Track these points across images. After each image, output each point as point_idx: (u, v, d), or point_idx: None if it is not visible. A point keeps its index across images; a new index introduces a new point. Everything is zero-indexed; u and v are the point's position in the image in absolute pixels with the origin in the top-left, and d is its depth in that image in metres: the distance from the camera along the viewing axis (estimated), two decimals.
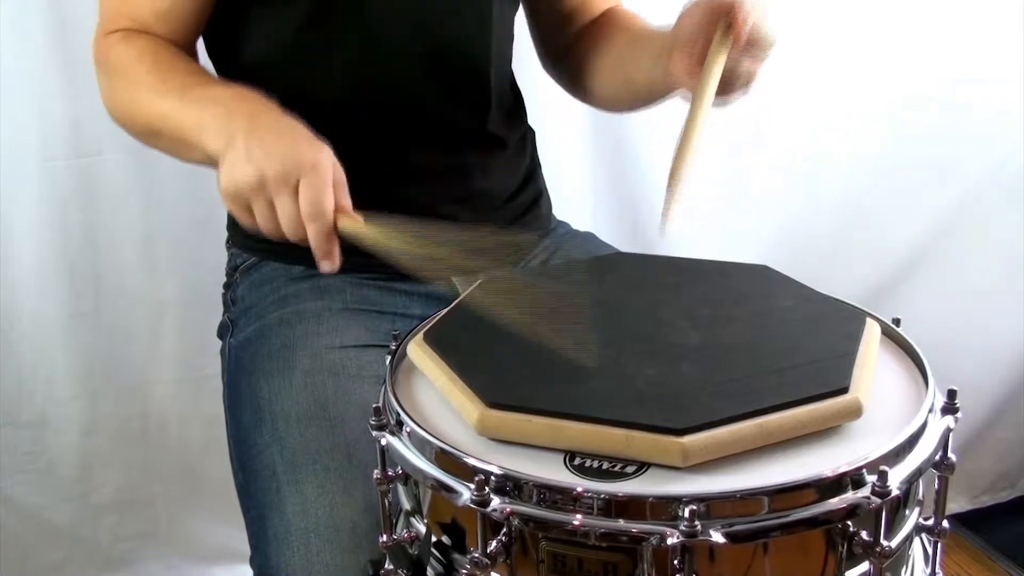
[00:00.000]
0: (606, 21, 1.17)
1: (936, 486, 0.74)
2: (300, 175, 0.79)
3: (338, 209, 0.81)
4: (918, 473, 0.69)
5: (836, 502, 0.64)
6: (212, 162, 0.86)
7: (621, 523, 0.62)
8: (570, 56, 1.19)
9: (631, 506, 0.62)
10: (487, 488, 0.64)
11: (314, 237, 0.80)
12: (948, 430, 0.72)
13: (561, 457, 0.68)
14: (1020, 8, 1.70)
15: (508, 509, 0.64)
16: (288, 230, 0.81)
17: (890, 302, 1.77)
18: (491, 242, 0.79)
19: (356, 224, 0.82)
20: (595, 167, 1.67)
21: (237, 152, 0.81)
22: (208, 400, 1.38)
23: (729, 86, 0.91)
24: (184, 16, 0.99)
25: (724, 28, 0.89)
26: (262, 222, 0.82)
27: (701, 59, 0.90)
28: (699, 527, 0.60)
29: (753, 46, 0.89)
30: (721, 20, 0.89)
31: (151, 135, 0.96)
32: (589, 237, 1.22)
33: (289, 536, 0.89)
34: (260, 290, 1.08)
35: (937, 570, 0.77)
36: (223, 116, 0.85)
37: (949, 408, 0.73)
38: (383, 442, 0.74)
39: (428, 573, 0.73)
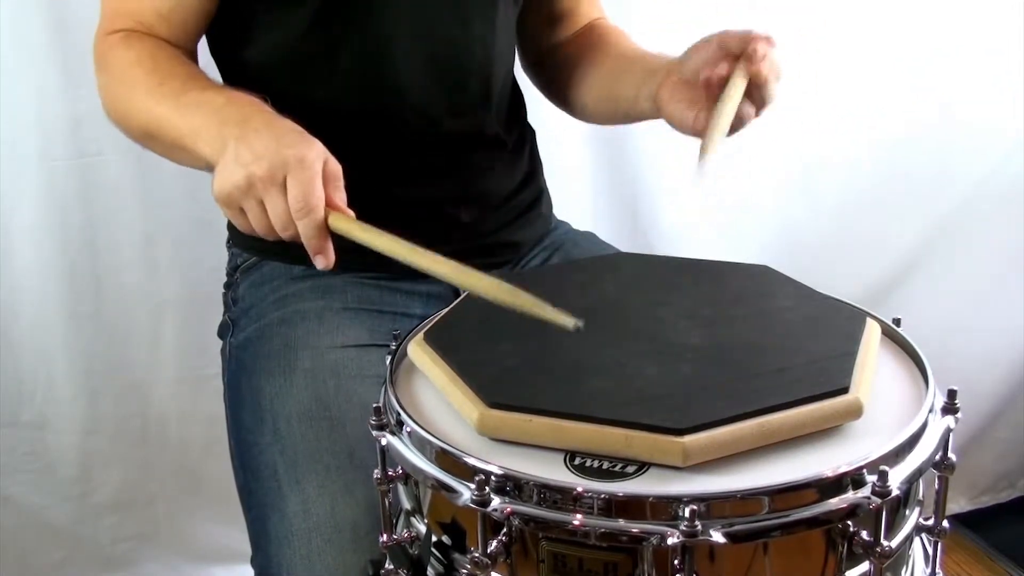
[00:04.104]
0: (594, 34, 1.19)
1: (936, 486, 0.74)
2: (287, 172, 0.79)
3: (329, 204, 0.81)
4: (918, 473, 0.69)
5: (836, 502, 0.64)
6: (207, 167, 0.86)
7: (621, 523, 0.62)
8: (552, 62, 1.20)
9: (631, 506, 0.63)
10: (487, 488, 0.64)
11: (304, 233, 0.80)
12: (948, 430, 0.72)
13: (561, 457, 0.68)
14: (1018, 13, 1.70)
15: (508, 509, 0.64)
16: (279, 228, 0.80)
17: (890, 302, 1.77)
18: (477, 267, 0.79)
19: (348, 222, 0.81)
20: (595, 167, 1.67)
21: (228, 157, 0.82)
22: (208, 400, 1.38)
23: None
24: (186, 17, 0.99)
25: (743, 67, 0.92)
26: (255, 222, 0.82)
27: (700, 93, 0.93)
28: (699, 527, 0.60)
29: (759, 96, 0.93)
30: (740, 61, 0.92)
31: (146, 137, 0.96)
32: (589, 237, 1.22)
33: (290, 536, 0.89)
34: (260, 290, 1.08)
35: (937, 570, 0.77)
36: (216, 124, 0.86)
37: (949, 408, 0.73)
38: (383, 442, 0.74)
39: (428, 573, 0.73)
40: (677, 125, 0.98)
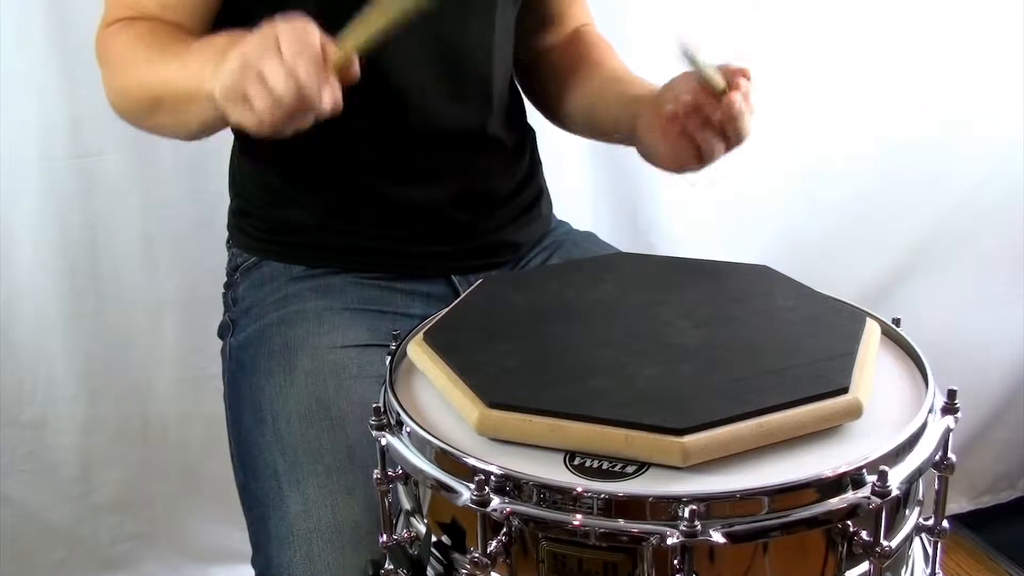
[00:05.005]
0: (581, 46, 1.18)
1: (936, 486, 0.74)
2: (277, 35, 0.78)
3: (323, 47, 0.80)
4: (918, 473, 0.69)
5: (836, 502, 0.64)
6: (216, 112, 0.84)
7: (621, 523, 0.62)
8: (539, 69, 1.20)
9: (631, 506, 0.62)
10: (487, 488, 0.64)
11: (306, 73, 0.77)
12: (948, 430, 0.72)
13: (561, 457, 0.68)
14: (1018, 13, 1.70)
15: (508, 509, 0.64)
16: (283, 89, 0.77)
17: (890, 302, 1.77)
18: None
19: (341, 45, 0.81)
20: (595, 167, 1.67)
21: (223, 63, 0.81)
22: (208, 400, 1.38)
23: (703, 152, 0.94)
24: (190, 7, 0.98)
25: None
26: (260, 101, 0.78)
27: (680, 127, 0.94)
28: (699, 527, 0.60)
29: (732, 129, 0.92)
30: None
31: (152, 106, 0.94)
32: (589, 237, 1.22)
33: (291, 536, 0.89)
34: (261, 290, 1.08)
35: (937, 570, 0.77)
36: (218, 58, 0.83)
37: (949, 408, 0.73)
38: (383, 442, 0.74)
39: (428, 573, 0.73)
40: (649, 155, 1.00)
